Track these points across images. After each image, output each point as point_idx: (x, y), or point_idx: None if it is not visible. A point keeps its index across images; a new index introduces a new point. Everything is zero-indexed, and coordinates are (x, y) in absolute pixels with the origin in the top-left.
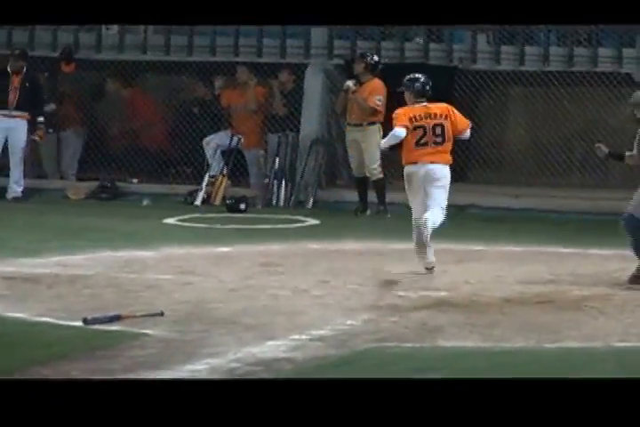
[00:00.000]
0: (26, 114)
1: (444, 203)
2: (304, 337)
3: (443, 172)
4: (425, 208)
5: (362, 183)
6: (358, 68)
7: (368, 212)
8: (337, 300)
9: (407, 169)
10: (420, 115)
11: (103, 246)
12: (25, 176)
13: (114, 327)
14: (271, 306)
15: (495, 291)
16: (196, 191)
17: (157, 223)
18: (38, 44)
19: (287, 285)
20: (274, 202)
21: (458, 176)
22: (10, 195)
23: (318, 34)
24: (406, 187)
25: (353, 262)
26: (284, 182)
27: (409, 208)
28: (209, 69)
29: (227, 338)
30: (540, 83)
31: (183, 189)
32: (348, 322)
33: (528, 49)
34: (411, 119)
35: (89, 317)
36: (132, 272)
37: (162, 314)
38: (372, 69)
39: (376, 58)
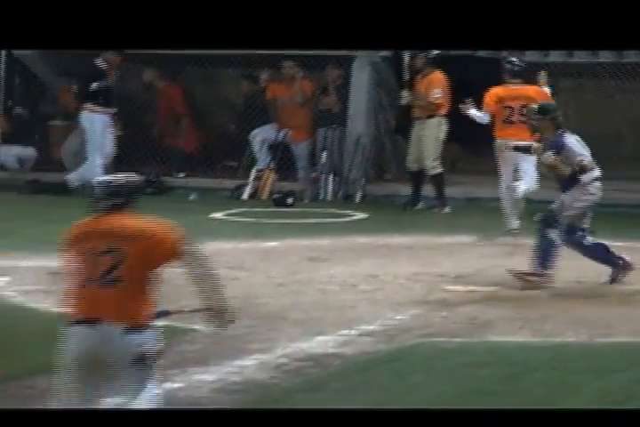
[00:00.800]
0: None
1: (534, 171)
2: (353, 332)
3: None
4: (512, 177)
5: (416, 177)
6: (418, 62)
7: (420, 205)
8: (386, 295)
9: (498, 142)
10: (508, 95)
11: None
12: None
13: (162, 323)
14: (319, 301)
15: (546, 285)
16: (244, 186)
17: (204, 218)
18: None
19: (335, 279)
20: (321, 196)
21: None
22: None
23: None
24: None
25: (402, 257)
26: (331, 176)
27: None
28: (254, 62)
29: (275, 333)
30: (589, 75)
31: (230, 183)
32: (397, 317)
33: None
34: (499, 100)
35: None
36: (179, 267)
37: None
38: (433, 62)
39: (435, 51)
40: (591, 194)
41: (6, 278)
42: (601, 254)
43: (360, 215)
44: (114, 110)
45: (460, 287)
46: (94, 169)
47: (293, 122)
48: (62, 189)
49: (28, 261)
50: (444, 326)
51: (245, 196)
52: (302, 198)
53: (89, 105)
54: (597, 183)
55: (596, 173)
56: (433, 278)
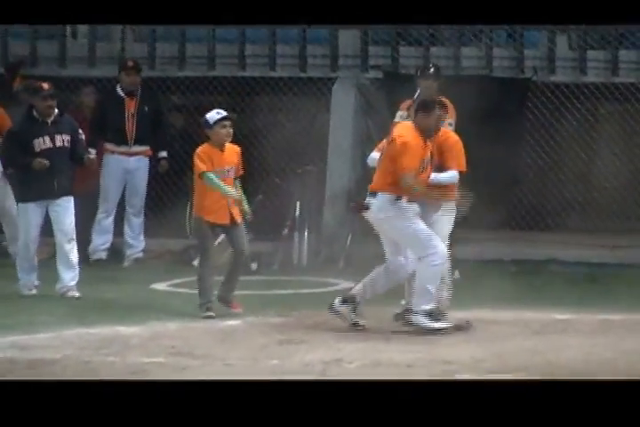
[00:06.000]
0: (147, 149)
1: None
2: None
3: None
4: None
5: None
6: (428, 84)
7: None
8: None
9: None
10: None
11: (72, 322)
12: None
13: None
14: None
15: (586, 373)
16: (194, 247)
17: (143, 289)
18: None
19: (314, 369)
20: (295, 260)
21: (534, 223)
22: (130, 256)
23: (348, 38)
24: None
25: (397, 339)
26: (306, 234)
27: None
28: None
29: None
30: (638, 98)
31: (176, 244)
32: None
33: (623, 54)
34: None
35: None
36: (110, 355)
37: None
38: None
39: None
40: None
41: None
42: None
43: (344, 284)
44: None
45: (472, 376)
46: None
47: None
48: None
49: None
50: None
51: (197, 261)
52: (270, 263)
53: None
54: None
55: None
56: (438, 365)
